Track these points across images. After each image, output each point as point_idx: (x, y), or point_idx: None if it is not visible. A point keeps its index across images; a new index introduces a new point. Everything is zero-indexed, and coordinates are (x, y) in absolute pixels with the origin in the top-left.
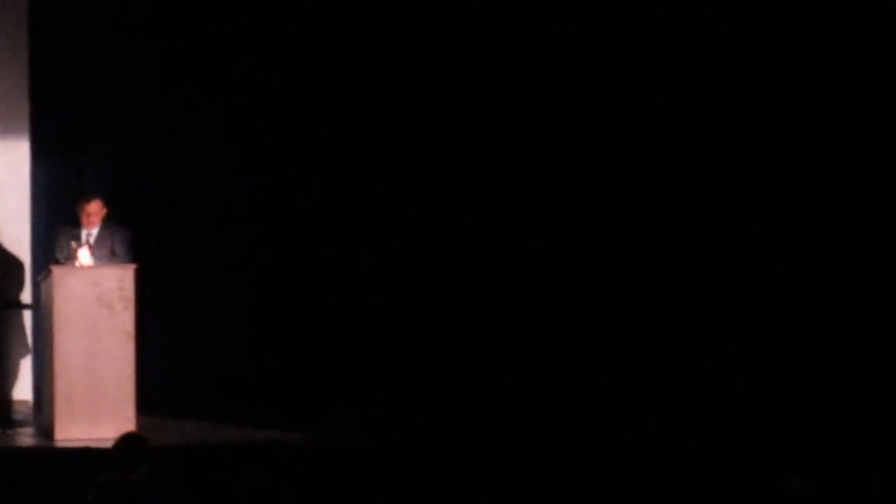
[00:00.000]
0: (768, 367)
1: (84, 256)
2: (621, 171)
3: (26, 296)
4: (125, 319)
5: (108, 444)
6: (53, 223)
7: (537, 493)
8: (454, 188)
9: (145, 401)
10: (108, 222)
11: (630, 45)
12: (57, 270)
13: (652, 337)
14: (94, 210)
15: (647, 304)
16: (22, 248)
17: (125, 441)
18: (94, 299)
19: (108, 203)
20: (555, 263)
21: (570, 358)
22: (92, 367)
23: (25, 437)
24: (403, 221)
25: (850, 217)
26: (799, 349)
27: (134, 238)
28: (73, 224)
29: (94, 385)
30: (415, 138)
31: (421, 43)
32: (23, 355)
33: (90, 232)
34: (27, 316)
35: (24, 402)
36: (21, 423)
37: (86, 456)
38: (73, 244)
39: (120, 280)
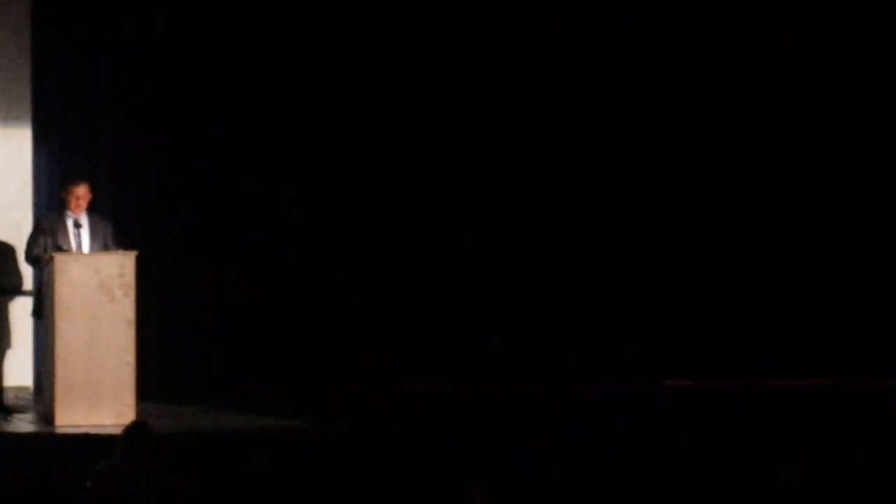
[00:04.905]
0: (763, 355)
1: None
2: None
3: (26, 282)
4: (125, 306)
5: (108, 430)
6: (52, 209)
7: (532, 485)
8: (451, 192)
9: (145, 387)
10: (94, 212)
11: (630, 46)
12: (59, 257)
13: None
14: (83, 193)
15: (644, 302)
16: (22, 234)
17: (131, 429)
18: (95, 286)
19: (94, 191)
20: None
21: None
22: (92, 353)
23: (25, 423)
24: (400, 207)
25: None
26: (793, 339)
27: (116, 229)
28: (58, 210)
29: (93, 371)
30: (408, 134)
31: (417, 41)
32: (19, 342)
33: (78, 217)
34: (27, 303)
35: (24, 388)
36: (21, 409)
37: (85, 442)
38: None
39: (120, 267)
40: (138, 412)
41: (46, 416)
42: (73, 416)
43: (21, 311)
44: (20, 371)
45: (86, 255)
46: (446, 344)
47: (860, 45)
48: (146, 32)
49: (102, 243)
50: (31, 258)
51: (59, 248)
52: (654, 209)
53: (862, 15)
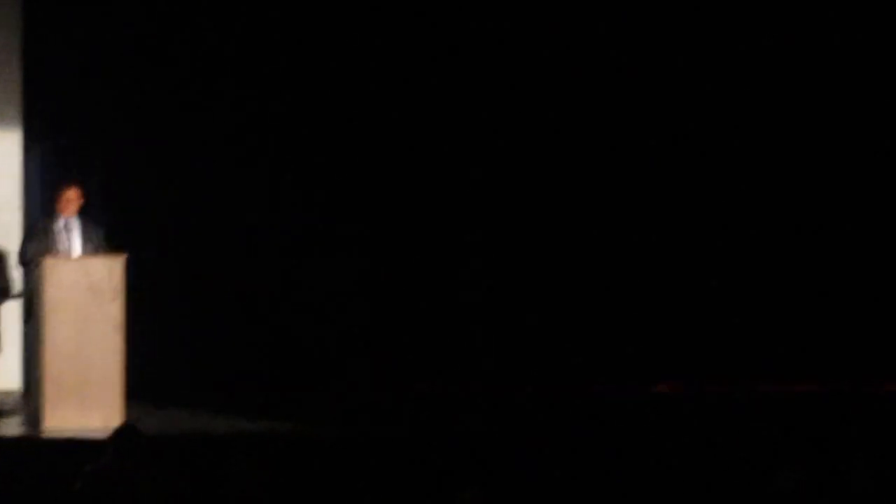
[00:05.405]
0: (758, 360)
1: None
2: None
3: (17, 285)
4: (114, 309)
5: (96, 433)
6: (44, 213)
7: (526, 486)
8: (445, 195)
9: (134, 390)
10: (86, 215)
11: (630, 46)
12: (48, 260)
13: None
14: (73, 196)
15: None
16: (13, 237)
17: (120, 431)
18: (84, 289)
19: (85, 194)
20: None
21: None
22: (81, 356)
23: (14, 426)
24: (394, 208)
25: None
26: (787, 343)
27: (107, 232)
28: (48, 214)
29: (82, 374)
30: (404, 134)
31: (407, 40)
32: (8, 345)
33: (68, 220)
34: (16, 305)
35: (12, 392)
36: (9, 412)
37: (74, 445)
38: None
39: (110, 270)
40: (127, 415)
41: (35, 419)
42: (61, 419)
43: (10, 313)
44: (9, 374)
45: (75, 258)
46: (439, 346)
47: (860, 45)
48: (138, 35)
49: (94, 246)
50: (23, 262)
51: (50, 252)
52: (651, 214)
53: (862, 15)
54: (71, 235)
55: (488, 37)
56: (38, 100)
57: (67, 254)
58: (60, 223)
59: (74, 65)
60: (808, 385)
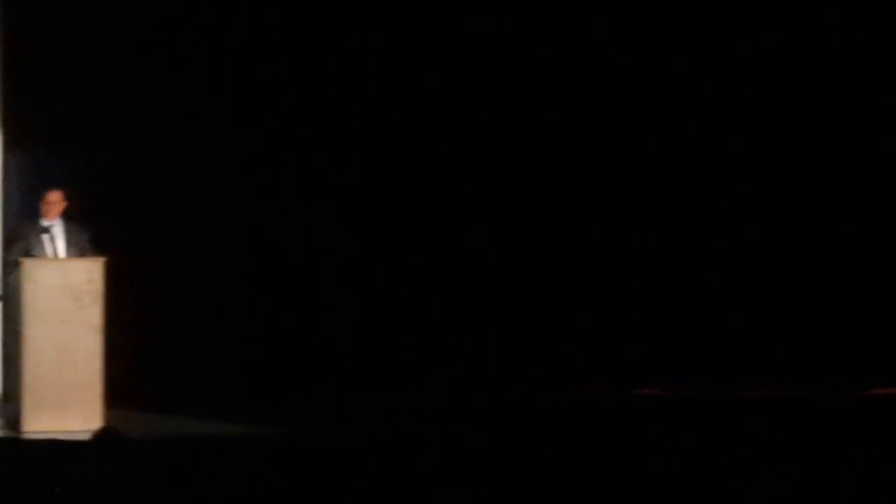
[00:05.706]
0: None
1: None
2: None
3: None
4: (94, 312)
5: (77, 436)
6: (26, 216)
7: (509, 488)
8: (436, 191)
9: (114, 393)
10: (70, 218)
11: (630, 46)
12: (27, 263)
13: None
14: (54, 200)
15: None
16: None
17: (102, 434)
18: (64, 292)
19: (68, 198)
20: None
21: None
22: (60, 359)
23: None
24: (381, 210)
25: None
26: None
27: (91, 236)
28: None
29: (62, 377)
30: (389, 134)
31: (388, 40)
32: None
33: (53, 223)
34: None
35: None
36: None
37: (54, 448)
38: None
39: (89, 273)
40: (107, 418)
41: (14, 422)
42: (40, 422)
43: None
44: None
45: (54, 260)
46: (429, 350)
47: (860, 45)
48: (119, 39)
49: (78, 250)
50: (5, 265)
51: (33, 255)
52: (638, 219)
53: (862, 15)
54: (54, 239)
55: (488, 37)
56: (17, 105)
57: (50, 257)
58: (43, 226)
59: (54, 68)
60: (793, 389)
